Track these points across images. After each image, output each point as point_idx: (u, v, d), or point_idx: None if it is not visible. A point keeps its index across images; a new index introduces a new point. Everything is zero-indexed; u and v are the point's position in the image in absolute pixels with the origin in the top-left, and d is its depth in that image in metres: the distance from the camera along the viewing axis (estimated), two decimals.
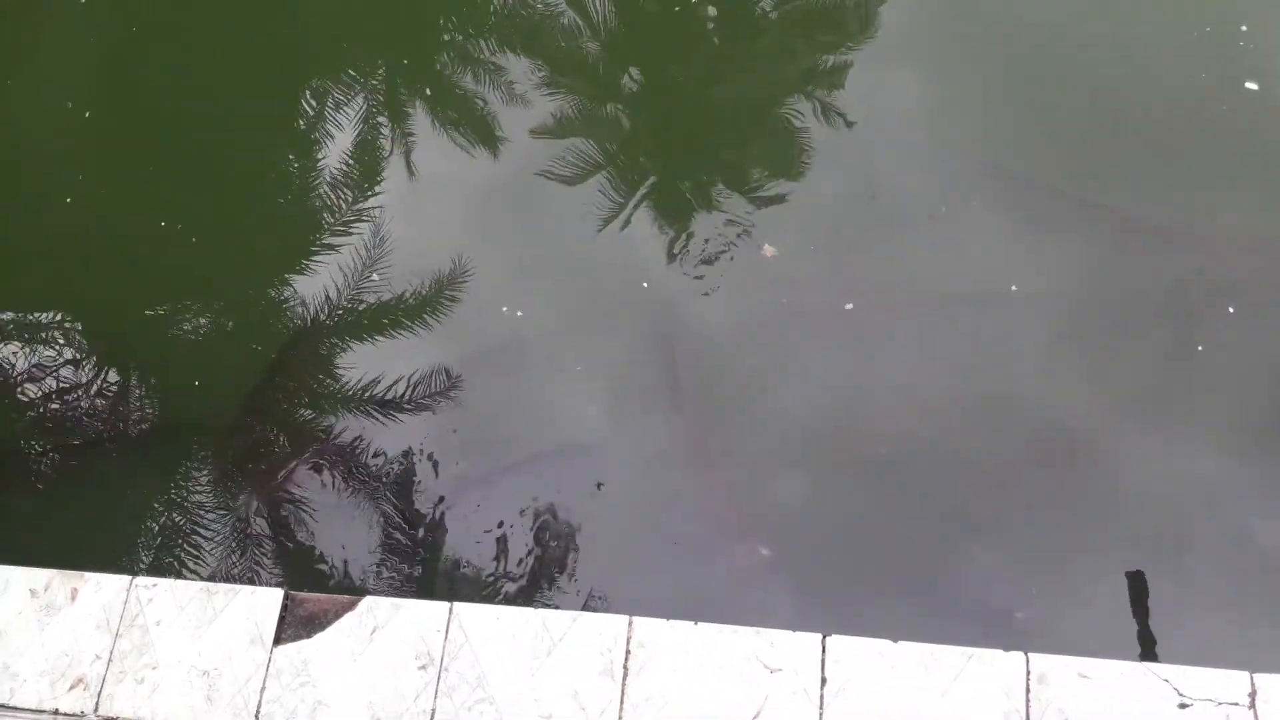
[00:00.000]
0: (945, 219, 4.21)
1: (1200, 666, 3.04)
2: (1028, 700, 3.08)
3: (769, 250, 4.28)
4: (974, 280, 4.08)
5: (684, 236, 4.52)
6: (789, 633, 3.29)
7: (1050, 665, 3.10)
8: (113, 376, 5.00)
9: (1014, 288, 4.01)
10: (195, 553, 4.46)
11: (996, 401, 3.84)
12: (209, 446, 4.69)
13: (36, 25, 5.88)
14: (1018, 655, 3.12)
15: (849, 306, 4.14)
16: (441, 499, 4.29)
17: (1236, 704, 2.98)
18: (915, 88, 4.54)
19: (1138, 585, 3.48)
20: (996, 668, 3.12)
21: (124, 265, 5.16)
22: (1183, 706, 3.00)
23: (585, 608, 3.87)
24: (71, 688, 3.91)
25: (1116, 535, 3.58)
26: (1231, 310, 3.87)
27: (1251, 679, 2.99)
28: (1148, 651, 3.39)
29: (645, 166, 4.85)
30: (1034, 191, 4.23)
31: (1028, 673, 3.11)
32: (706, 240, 4.47)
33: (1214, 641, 3.35)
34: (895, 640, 3.19)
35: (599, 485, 4.13)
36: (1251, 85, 4.24)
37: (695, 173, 4.80)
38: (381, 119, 5.27)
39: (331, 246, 4.94)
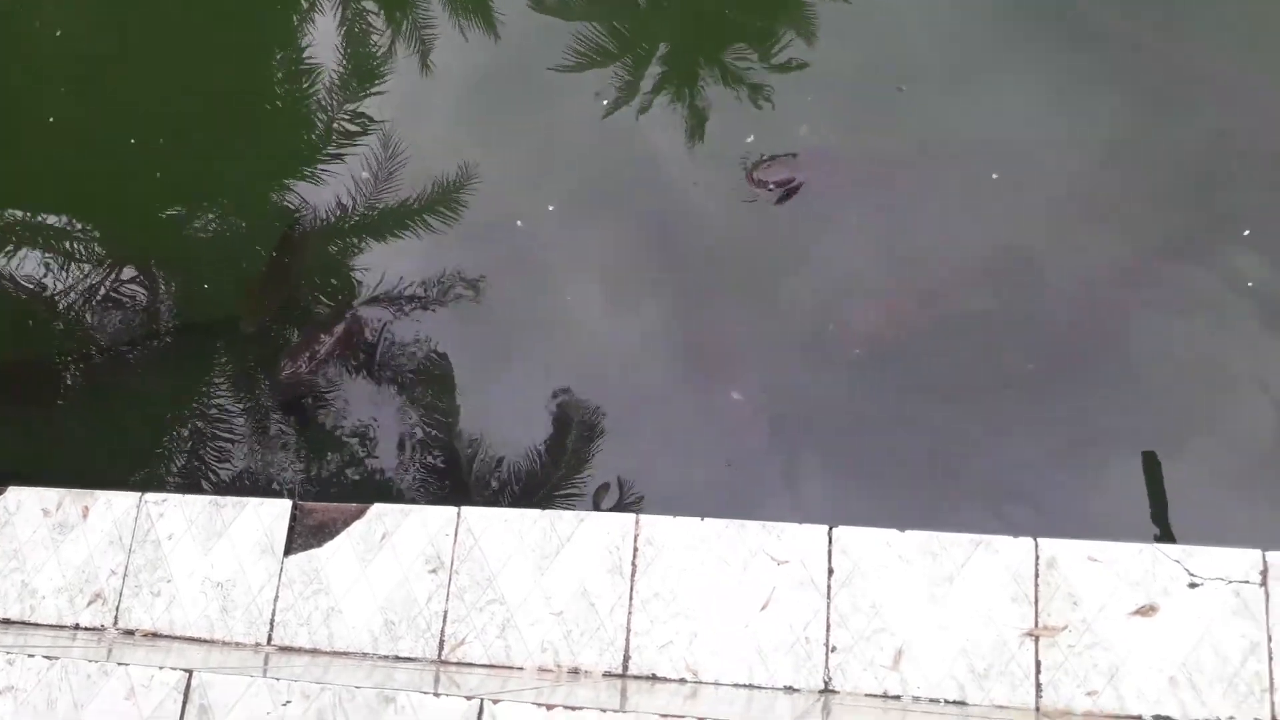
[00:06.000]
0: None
1: (1211, 546, 3.01)
2: (1036, 584, 3.07)
3: (805, 130, 4.13)
4: (980, 146, 3.92)
5: (697, 120, 4.38)
6: (795, 525, 3.28)
7: (1059, 549, 3.08)
8: (114, 285, 4.97)
9: (1021, 153, 3.86)
10: (203, 466, 4.48)
11: (1000, 280, 3.75)
12: (217, 353, 4.69)
13: None
14: (1026, 540, 3.10)
15: (851, 186, 4.02)
16: (445, 401, 4.28)
17: (1248, 582, 2.96)
18: None
19: (1147, 466, 3.44)
20: (1005, 554, 3.11)
21: (111, 177, 5.08)
22: (1193, 586, 2.99)
23: (593, 507, 3.87)
24: (90, 603, 3.97)
25: (1124, 416, 3.52)
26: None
27: (1263, 556, 2.97)
28: (1158, 532, 3.37)
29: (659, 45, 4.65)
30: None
31: (1037, 557, 3.09)
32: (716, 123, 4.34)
33: (1225, 520, 3.32)
34: (902, 529, 3.18)
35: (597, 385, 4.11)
36: None
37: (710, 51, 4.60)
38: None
39: (338, 155, 4.86)
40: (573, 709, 2.48)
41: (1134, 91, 3.88)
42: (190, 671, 2.73)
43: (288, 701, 2.61)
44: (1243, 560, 2.97)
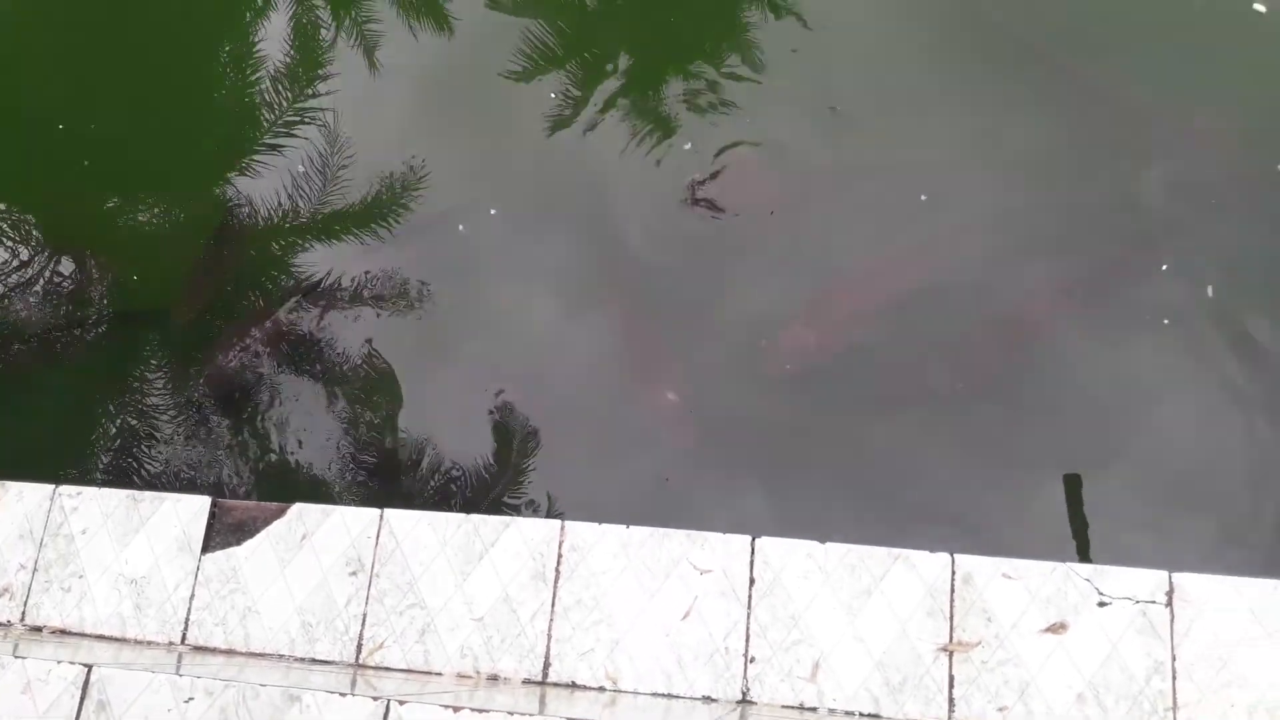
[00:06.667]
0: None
1: (1121, 566, 3.09)
2: (952, 600, 3.12)
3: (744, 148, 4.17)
4: (912, 169, 4.00)
5: (643, 134, 4.40)
6: (720, 535, 3.29)
7: (975, 565, 3.14)
8: (36, 271, 4.85)
9: (950, 176, 3.95)
10: (122, 459, 4.37)
11: (928, 302, 3.82)
12: (144, 344, 4.59)
13: None
14: (943, 556, 3.15)
15: (786, 202, 4.08)
16: (376, 403, 4.24)
17: (1154, 602, 3.03)
18: None
19: (1062, 487, 3.52)
20: (922, 569, 3.15)
21: (37, 162, 4.96)
22: (1102, 605, 3.05)
23: (521, 513, 3.85)
24: None
25: (1041, 439, 3.60)
26: (1199, 224, 3.80)
27: (1170, 578, 3.04)
28: (1070, 552, 3.45)
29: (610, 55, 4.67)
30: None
31: (953, 573, 3.14)
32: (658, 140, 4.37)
33: (1135, 542, 3.40)
34: (823, 542, 3.21)
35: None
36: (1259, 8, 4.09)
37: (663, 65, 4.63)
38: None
39: (278, 148, 4.79)
40: (480, 711, 2.45)
41: (1063, 120, 3.99)
42: (89, 666, 2.65)
43: (190, 698, 2.55)
44: (1150, 581, 3.05)
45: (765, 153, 4.20)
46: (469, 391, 4.20)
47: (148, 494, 3.83)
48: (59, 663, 2.66)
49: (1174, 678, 2.96)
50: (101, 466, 4.38)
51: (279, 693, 2.53)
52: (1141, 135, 3.98)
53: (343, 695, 2.54)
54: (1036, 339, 3.78)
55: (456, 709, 2.46)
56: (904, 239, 3.92)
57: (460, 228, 4.46)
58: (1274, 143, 3.86)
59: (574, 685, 3.24)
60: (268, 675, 2.96)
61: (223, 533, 3.70)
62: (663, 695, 3.17)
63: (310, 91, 4.87)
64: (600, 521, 3.42)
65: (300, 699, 2.51)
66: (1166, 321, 3.73)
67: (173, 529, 3.74)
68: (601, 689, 3.21)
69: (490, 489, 4.05)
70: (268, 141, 4.82)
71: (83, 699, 2.61)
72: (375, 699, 2.52)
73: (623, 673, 3.22)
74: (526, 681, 3.27)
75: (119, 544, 3.76)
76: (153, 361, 4.63)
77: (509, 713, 2.44)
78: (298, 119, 4.82)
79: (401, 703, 2.51)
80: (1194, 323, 3.71)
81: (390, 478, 4.16)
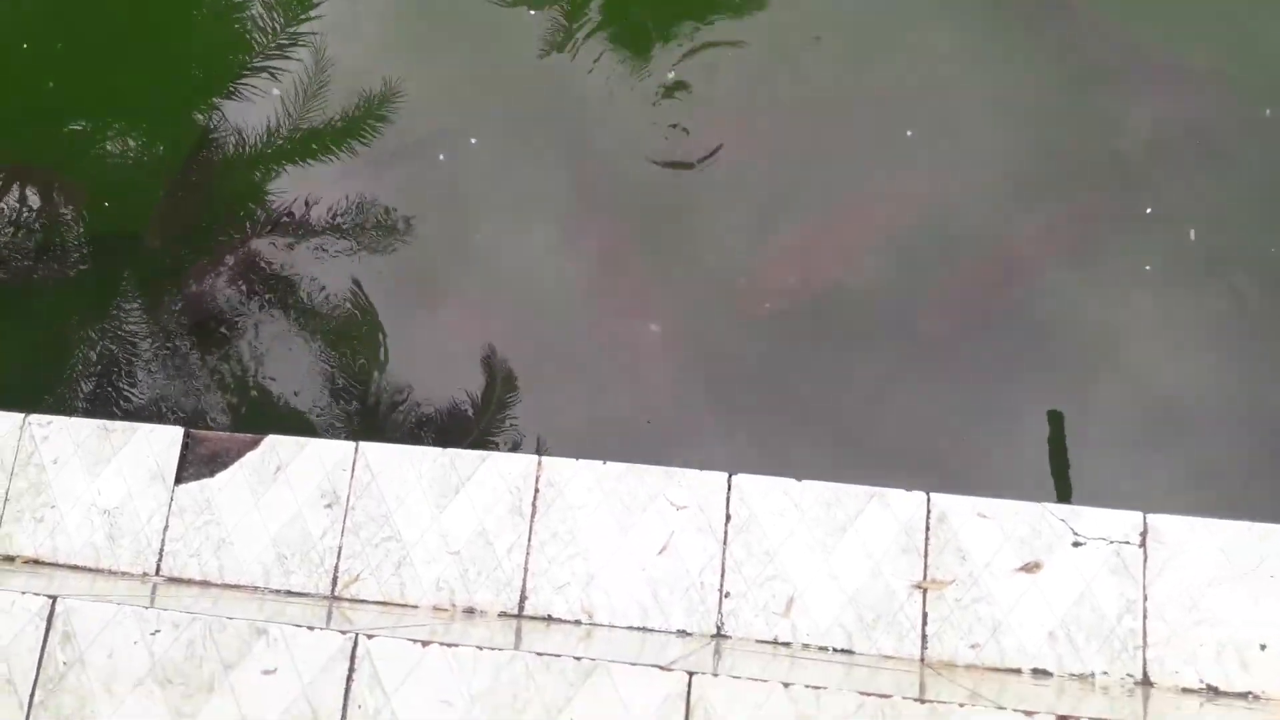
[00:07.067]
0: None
1: (1095, 507, 3.09)
2: (927, 538, 3.12)
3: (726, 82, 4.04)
4: (898, 104, 3.90)
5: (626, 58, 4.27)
6: (696, 471, 3.27)
7: (951, 504, 3.13)
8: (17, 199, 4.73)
9: (939, 113, 3.85)
10: (96, 390, 4.31)
11: (910, 241, 3.76)
12: (117, 272, 4.50)
13: None
14: (919, 494, 3.14)
15: (770, 140, 3.97)
16: (354, 336, 4.18)
17: (1128, 542, 3.04)
18: None
19: (1041, 428, 3.51)
20: (897, 507, 3.14)
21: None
22: (1076, 545, 3.06)
23: (499, 448, 3.82)
24: None
25: (1020, 380, 3.58)
26: (1174, 167, 3.74)
27: (1144, 518, 3.05)
28: (1047, 492, 3.44)
29: None
30: None
31: (928, 512, 3.13)
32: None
33: (1111, 482, 3.40)
34: (800, 479, 3.19)
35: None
36: None
37: None
38: None
39: (263, 71, 4.64)
40: (449, 645, 2.44)
41: (1051, 58, 3.89)
42: (54, 598, 2.62)
43: (156, 631, 2.53)
44: (1125, 521, 3.05)
45: (747, 86, 4.08)
46: (448, 325, 4.14)
47: (119, 424, 3.78)
48: (23, 594, 2.63)
49: (1145, 617, 2.98)
50: (74, 395, 4.32)
51: (245, 625, 2.51)
52: (1130, 75, 3.88)
53: (311, 629, 2.52)
54: (1018, 280, 3.73)
55: (426, 643, 2.45)
56: (888, 175, 3.83)
57: (440, 157, 4.35)
58: (1262, 86, 3.77)
59: (550, 619, 3.25)
60: (242, 608, 2.95)
61: (196, 464, 3.66)
62: (638, 629, 3.18)
63: (298, 16, 4.71)
64: (578, 457, 3.40)
65: (267, 632, 2.49)
66: (1148, 267, 3.68)
67: (145, 459, 3.69)
68: (577, 622, 3.22)
69: (473, 425, 4.00)
70: (253, 65, 4.67)
71: (48, 630, 2.59)
72: (344, 633, 2.50)
73: (598, 606, 3.23)
74: (503, 615, 3.28)
75: (90, 474, 3.72)
76: (126, 289, 4.54)
77: (479, 646, 2.43)
78: (290, 42, 4.67)
79: (370, 636, 2.49)
80: (1175, 267, 3.67)
81: (368, 412, 4.11)
